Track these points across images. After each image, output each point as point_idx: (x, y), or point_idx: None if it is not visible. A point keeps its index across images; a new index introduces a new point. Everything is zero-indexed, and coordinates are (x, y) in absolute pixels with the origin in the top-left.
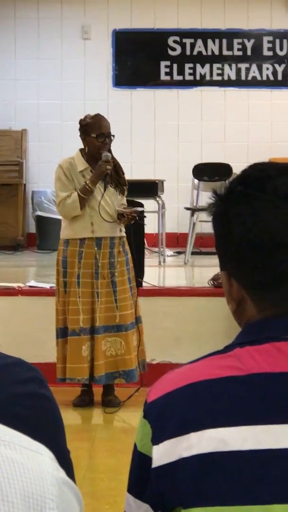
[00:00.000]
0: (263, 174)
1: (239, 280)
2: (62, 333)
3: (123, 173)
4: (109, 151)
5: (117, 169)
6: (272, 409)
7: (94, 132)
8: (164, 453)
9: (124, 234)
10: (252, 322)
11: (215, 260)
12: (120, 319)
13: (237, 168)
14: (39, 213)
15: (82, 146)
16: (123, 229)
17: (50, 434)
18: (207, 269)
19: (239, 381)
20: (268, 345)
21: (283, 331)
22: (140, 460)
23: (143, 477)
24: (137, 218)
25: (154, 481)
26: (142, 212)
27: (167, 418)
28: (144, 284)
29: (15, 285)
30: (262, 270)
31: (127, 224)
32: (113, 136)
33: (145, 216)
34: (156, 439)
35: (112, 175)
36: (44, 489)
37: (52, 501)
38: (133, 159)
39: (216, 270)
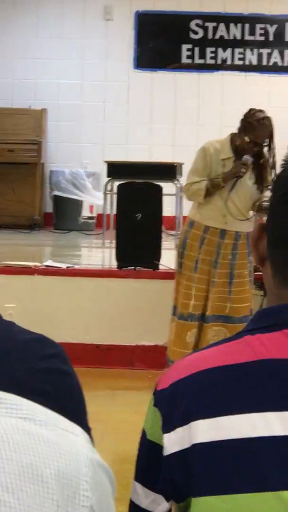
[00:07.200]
0: None
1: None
2: (174, 311)
3: (270, 173)
4: (260, 155)
5: (261, 168)
6: (283, 396)
7: (249, 135)
8: (175, 441)
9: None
10: (263, 310)
11: None
12: (230, 310)
13: None
14: (56, 192)
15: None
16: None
17: (71, 410)
18: None
19: (248, 367)
20: (279, 333)
21: None
22: (150, 448)
23: (152, 465)
24: None
25: (166, 469)
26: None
27: (177, 406)
28: (160, 267)
29: (31, 264)
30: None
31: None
32: (269, 145)
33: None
34: (167, 427)
35: (261, 172)
36: (79, 470)
37: (86, 483)
38: (152, 142)
39: None
